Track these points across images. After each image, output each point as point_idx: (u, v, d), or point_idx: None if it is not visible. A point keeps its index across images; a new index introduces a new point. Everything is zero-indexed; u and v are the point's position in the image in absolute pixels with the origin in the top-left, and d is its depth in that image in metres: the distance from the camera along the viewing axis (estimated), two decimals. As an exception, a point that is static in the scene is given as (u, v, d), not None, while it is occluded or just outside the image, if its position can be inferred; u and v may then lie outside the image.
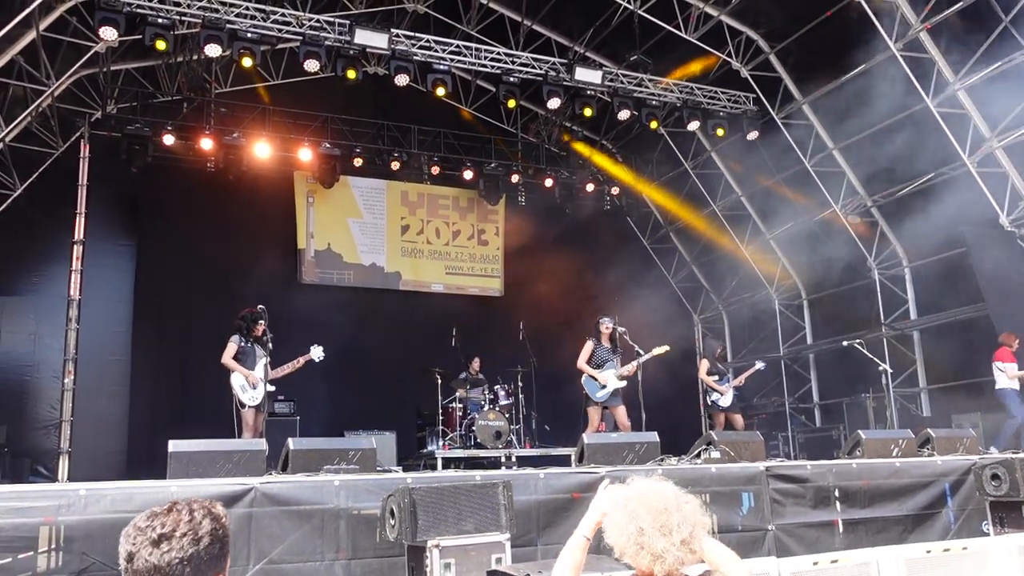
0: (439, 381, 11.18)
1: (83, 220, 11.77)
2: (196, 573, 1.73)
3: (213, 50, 10.47)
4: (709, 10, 12.52)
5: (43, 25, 10.55)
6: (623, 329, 9.39)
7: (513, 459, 10.44)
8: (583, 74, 12.20)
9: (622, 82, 12.85)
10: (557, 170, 15.27)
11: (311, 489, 5.31)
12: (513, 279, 15.35)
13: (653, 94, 13.10)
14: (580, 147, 16.01)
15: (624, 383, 9.17)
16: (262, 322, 8.15)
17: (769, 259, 15.42)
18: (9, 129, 11.33)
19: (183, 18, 10.48)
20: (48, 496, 4.75)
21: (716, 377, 10.57)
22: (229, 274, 12.58)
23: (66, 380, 11.23)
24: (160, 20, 10.08)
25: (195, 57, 12.36)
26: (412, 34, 11.93)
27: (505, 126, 15.69)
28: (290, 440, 5.94)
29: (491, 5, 13.40)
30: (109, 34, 9.85)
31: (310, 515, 5.19)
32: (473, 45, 12.29)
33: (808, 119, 13.15)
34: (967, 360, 11.43)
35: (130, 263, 12.74)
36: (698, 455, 7.10)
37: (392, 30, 11.47)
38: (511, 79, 12.12)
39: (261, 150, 12.75)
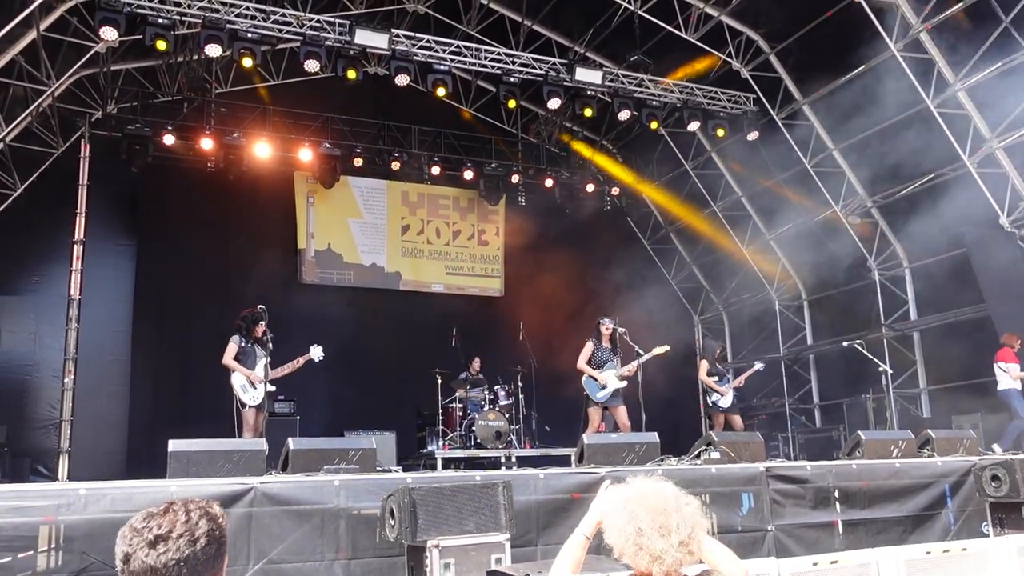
0: (439, 381, 11.18)
1: (83, 220, 11.77)
2: (193, 574, 1.73)
3: (213, 50, 10.47)
4: (709, 10, 12.52)
5: (43, 25, 10.55)
6: (623, 330, 9.39)
7: (513, 459, 10.44)
8: (583, 74, 12.20)
9: (622, 82, 12.85)
10: (557, 170, 15.28)
11: (311, 489, 5.31)
12: (513, 279, 15.36)
13: (653, 94, 13.11)
14: (580, 147, 16.01)
15: (624, 383, 9.17)
16: (262, 323, 8.15)
17: (769, 260, 15.42)
18: (9, 129, 11.33)
19: (183, 18, 10.49)
20: (48, 495, 4.75)
21: (716, 378, 10.56)
22: (229, 274, 12.59)
23: (66, 380, 11.23)
24: (160, 20, 10.08)
25: (195, 57, 12.36)
26: (412, 34, 11.94)
27: (505, 126, 15.69)
28: (290, 440, 5.94)
29: (491, 5, 13.41)
30: (109, 34, 9.86)
31: (310, 515, 5.19)
32: (473, 45, 12.29)
33: (808, 119, 13.15)
34: (967, 361, 11.42)
35: (130, 263, 12.74)
36: (698, 456, 7.10)
37: (392, 30, 11.47)
38: (511, 79, 12.12)
39: (261, 150, 12.75)
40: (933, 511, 7.09)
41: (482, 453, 10.64)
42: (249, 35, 10.56)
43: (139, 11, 10.01)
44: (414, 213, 15.20)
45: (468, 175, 14.49)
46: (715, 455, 6.96)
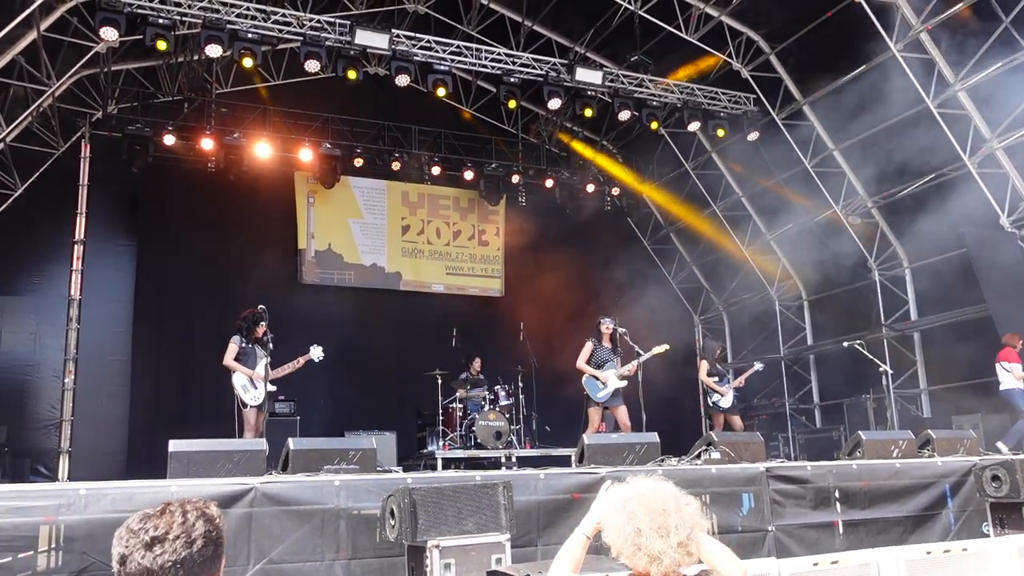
0: (439, 381, 11.18)
1: (83, 220, 11.79)
2: (190, 575, 1.72)
3: (214, 50, 10.47)
4: (710, 11, 12.52)
5: (44, 25, 10.55)
6: (623, 330, 9.39)
7: (513, 459, 10.44)
8: (584, 75, 12.21)
9: (623, 83, 12.85)
10: (558, 171, 15.28)
11: (311, 489, 5.31)
12: (514, 279, 15.36)
13: (654, 95, 13.11)
14: (581, 148, 16.01)
15: (625, 383, 9.16)
16: (263, 323, 8.16)
17: (770, 260, 15.42)
18: (10, 129, 11.33)
19: (184, 18, 10.49)
20: (48, 496, 4.76)
21: (716, 378, 10.56)
22: (230, 274, 12.60)
23: (66, 380, 11.25)
24: (161, 20, 10.09)
25: (196, 57, 12.37)
26: (413, 34, 11.94)
27: (506, 127, 15.69)
28: (290, 440, 5.94)
29: (492, 6, 13.41)
30: (110, 34, 9.86)
31: (310, 515, 5.19)
32: (474, 46, 12.30)
33: (809, 120, 13.16)
34: (968, 361, 11.41)
35: (130, 263, 12.74)
36: (698, 456, 7.10)
37: (393, 30, 11.47)
38: (512, 80, 12.13)
39: (262, 150, 12.75)
40: (934, 511, 7.09)
41: (482, 453, 10.64)
42: (249, 35, 10.56)
43: (139, 11, 10.01)
44: (414, 213, 15.20)
45: (468, 175, 14.49)
46: (715, 455, 6.96)
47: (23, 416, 11.61)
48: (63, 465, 11.00)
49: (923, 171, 11.79)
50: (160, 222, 13.00)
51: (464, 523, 4.84)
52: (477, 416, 10.87)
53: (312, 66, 10.92)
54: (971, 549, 4.78)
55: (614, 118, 13.40)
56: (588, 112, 12.74)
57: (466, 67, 12.51)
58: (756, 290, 15.88)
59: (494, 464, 10.48)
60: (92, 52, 11.36)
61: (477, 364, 11.98)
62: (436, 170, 14.42)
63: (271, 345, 8.06)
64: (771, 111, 13.31)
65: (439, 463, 10.32)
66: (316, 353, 8.37)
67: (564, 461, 8.95)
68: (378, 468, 6.30)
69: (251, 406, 8.09)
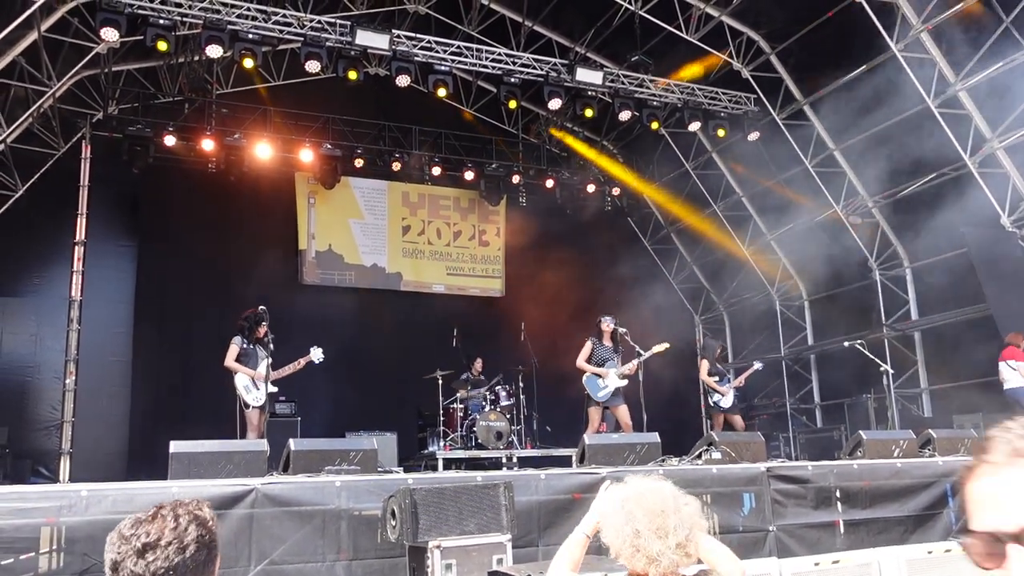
0: (440, 382, 11.18)
1: (84, 221, 11.80)
2: None
3: (214, 51, 10.47)
4: (710, 11, 12.52)
5: (44, 26, 10.56)
6: (624, 330, 9.38)
7: (514, 460, 10.43)
8: (584, 75, 12.21)
9: (623, 83, 12.85)
10: (558, 171, 15.28)
11: (312, 490, 5.31)
12: (514, 280, 15.36)
13: (654, 95, 13.11)
14: (581, 148, 16.01)
15: (625, 382, 9.16)
16: (264, 323, 8.16)
17: (770, 260, 15.42)
18: (11, 130, 11.33)
19: (184, 19, 10.50)
20: (50, 497, 4.76)
21: (716, 378, 10.56)
22: (230, 275, 12.59)
23: (67, 381, 11.26)
24: (161, 21, 10.09)
25: (196, 58, 12.38)
26: (413, 35, 11.94)
27: (506, 127, 15.69)
28: (291, 441, 5.95)
29: (492, 6, 13.41)
30: (110, 35, 9.86)
31: (311, 516, 5.19)
32: (474, 46, 12.30)
33: (809, 120, 13.15)
34: (968, 361, 11.40)
35: (131, 264, 12.75)
36: (699, 456, 7.10)
37: (393, 31, 11.47)
38: (512, 80, 12.13)
39: (262, 151, 12.75)
40: (934, 511, 7.09)
41: (483, 454, 10.63)
42: (250, 36, 10.57)
43: (140, 12, 10.02)
44: (415, 214, 15.20)
45: (469, 176, 14.50)
46: (716, 455, 6.96)
47: (24, 417, 11.61)
48: (64, 466, 11.00)
49: (924, 171, 11.79)
50: (161, 223, 13.00)
51: (465, 523, 4.85)
52: (478, 416, 10.87)
53: (313, 66, 10.92)
54: (972, 549, 4.76)
55: (614, 118, 13.40)
56: (588, 112, 12.74)
57: (466, 67, 12.51)
58: (757, 290, 15.88)
59: (495, 464, 10.47)
60: (93, 53, 11.37)
61: (478, 364, 11.98)
62: (437, 170, 14.42)
63: (272, 346, 8.06)
64: (772, 111, 13.31)
65: (440, 464, 10.31)
66: (316, 355, 8.37)
67: (565, 461, 8.95)
68: (379, 469, 6.30)
69: (253, 407, 8.09)
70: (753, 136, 13.35)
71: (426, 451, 11.43)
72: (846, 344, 10.73)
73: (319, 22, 11.12)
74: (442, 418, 11.08)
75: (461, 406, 11.29)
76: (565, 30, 13.62)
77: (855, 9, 10.89)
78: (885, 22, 10.87)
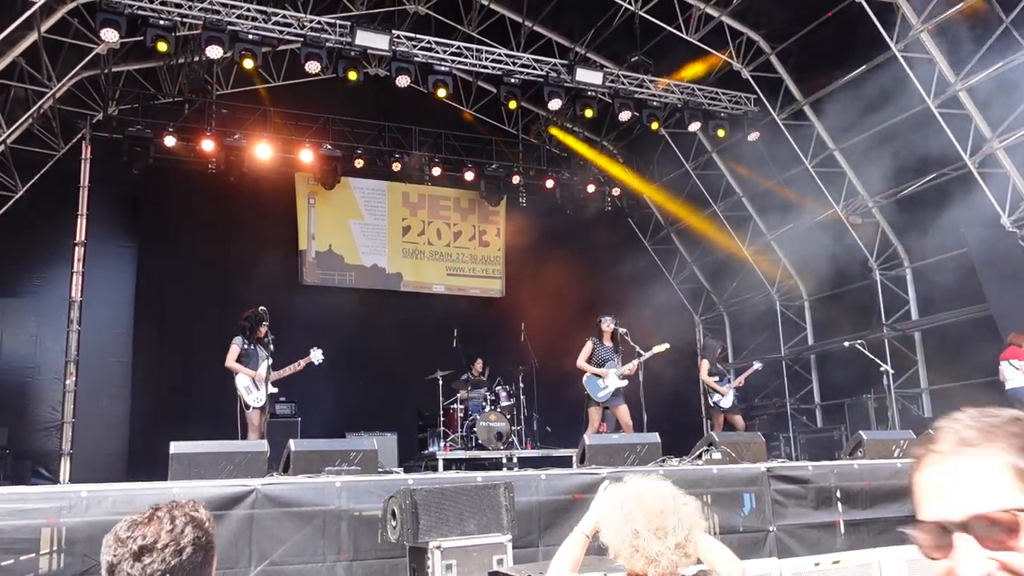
0: (440, 382, 11.18)
1: (84, 222, 11.79)
2: None
3: (214, 52, 10.47)
4: (710, 11, 12.52)
5: (44, 27, 10.56)
6: (624, 330, 9.38)
7: (514, 460, 10.43)
8: (584, 75, 12.20)
9: (623, 83, 12.85)
10: (558, 171, 15.28)
11: (312, 490, 5.31)
12: (514, 280, 15.35)
13: (654, 95, 13.11)
14: (581, 148, 16.01)
15: (625, 382, 9.16)
16: (265, 323, 8.17)
17: (770, 260, 15.42)
18: (11, 131, 11.34)
19: (184, 20, 10.50)
20: (50, 498, 4.76)
21: (717, 378, 10.56)
22: (230, 275, 12.59)
23: (67, 382, 11.25)
24: (161, 22, 10.09)
25: (196, 59, 12.38)
26: (413, 35, 11.94)
27: (506, 127, 15.69)
28: (291, 441, 5.95)
29: (492, 6, 13.41)
30: (110, 36, 9.87)
31: (312, 516, 5.19)
32: (474, 46, 12.30)
33: (809, 120, 13.15)
34: (969, 361, 11.40)
35: (131, 265, 12.74)
36: (699, 456, 7.10)
37: (393, 31, 11.47)
38: (512, 80, 12.13)
39: (262, 151, 12.75)
40: (935, 511, 7.07)
41: (483, 454, 10.63)
42: (250, 36, 10.57)
43: (140, 13, 10.02)
44: (415, 214, 15.20)
45: (469, 176, 14.50)
46: (716, 455, 6.96)
47: (24, 418, 11.60)
48: (64, 467, 11.00)
49: (924, 171, 11.78)
50: (161, 223, 13.00)
51: (465, 524, 4.85)
52: (478, 417, 10.87)
53: (312, 67, 10.92)
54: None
55: (614, 118, 13.39)
56: (588, 113, 12.74)
57: (466, 68, 12.51)
58: (757, 290, 15.88)
59: (495, 465, 10.47)
60: (93, 53, 11.37)
61: (478, 365, 11.98)
62: (437, 171, 14.42)
63: (272, 347, 8.06)
64: (772, 111, 13.31)
65: (440, 464, 10.31)
66: (316, 356, 8.38)
67: (565, 462, 8.95)
68: (379, 469, 6.30)
69: (254, 407, 8.10)
70: (753, 136, 13.35)
71: (426, 451, 11.43)
72: (846, 344, 10.73)
73: (319, 23, 11.12)
74: (442, 418, 11.09)
75: (461, 406, 11.29)
76: (565, 30, 13.62)
77: (855, 9, 10.89)
78: (885, 22, 10.87)
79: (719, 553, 2.59)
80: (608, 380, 9.11)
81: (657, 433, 7.43)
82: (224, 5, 10.54)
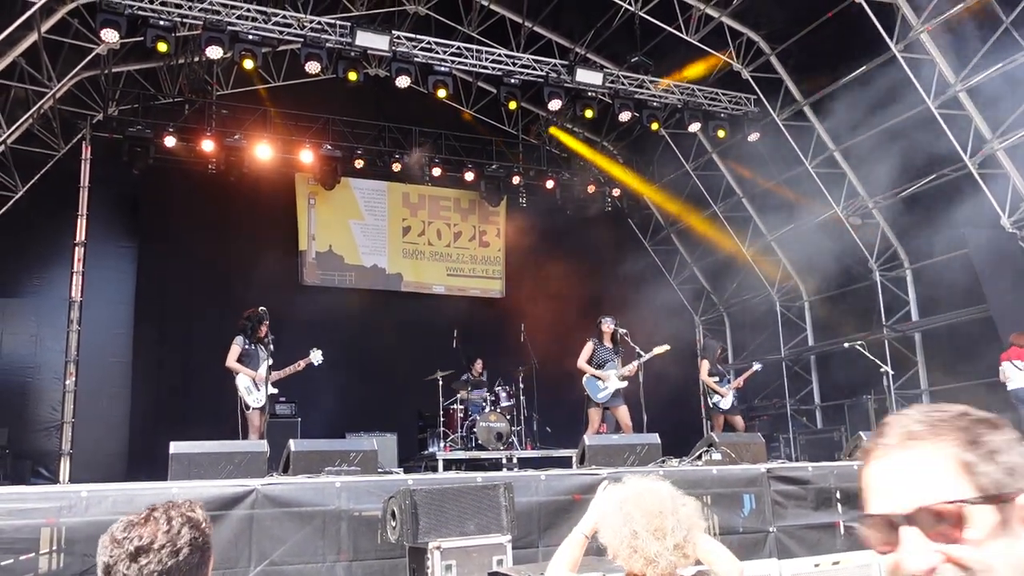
0: (440, 383, 11.18)
1: (84, 222, 11.80)
2: None
3: (214, 52, 10.47)
4: (710, 11, 12.52)
5: (45, 27, 10.56)
6: (624, 331, 9.38)
7: (514, 461, 10.43)
8: (584, 76, 12.21)
9: (623, 84, 12.86)
10: (558, 172, 15.28)
11: (312, 491, 5.31)
12: (514, 280, 15.36)
13: (654, 95, 13.11)
14: (581, 149, 16.01)
15: (625, 383, 9.16)
16: (265, 323, 8.17)
17: (770, 260, 15.42)
18: (11, 131, 11.34)
19: (184, 20, 10.50)
20: (50, 498, 4.76)
21: (717, 378, 10.55)
22: (230, 276, 12.59)
23: (67, 382, 11.26)
24: (161, 22, 10.10)
25: (196, 59, 12.38)
26: (413, 36, 11.94)
27: (506, 128, 15.69)
28: (291, 442, 5.95)
29: (492, 7, 13.41)
30: (110, 36, 9.87)
31: (311, 517, 5.20)
32: (474, 47, 12.30)
33: (809, 120, 13.15)
34: (969, 362, 11.41)
35: (131, 265, 12.74)
36: (699, 457, 7.10)
37: (393, 32, 11.47)
38: (512, 81, 12.13)
39: (262, 152, 12.75)
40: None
41: (483, 455, 10.64)
42: (250, 37, 10.57)
43: (140, 13, 10.02)
44: (415, 214, 15.20)
45: (469, 176, 14.50)
46: (716, 456, 6.97)
47: (24, 418, 11.60)
48: (64, 467, 11.00)
49: (924, 172, 11.78)
50: (161, 224, 13.00)
51: (465, 524, 4.85)
52: (478, 417, 10.87)
53: (313, 67, 10.92)
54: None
55: (615, 119, 13.39)
56: (589, 113, 12.74)
57: (466, 68, 12.51)
58: (757, 291, 15.88)
59: (495, 465, 10.47)
60: (93, 54, 11.38)
61: (478, 365, 11.99)
62: (437, 171, 14.42)
63: (272, 347, 8.06)
64: (772, 112, 13.31)
65: (440, 464, 10.31)
66: (316, 357, 8.37)
67: (565, 462, 8.96)
68: (379, 469, 6.31)
69: (254, 408, 8.09)
70: (753, 137, 13.35)
71: (426, 452, 11.43)
72: (846, 345, 10.72)
73: (319, 23, 11.12)
74: (442, 419, 11.09)
75: (461, 407, 11.30)
76: (565, 31, 13.63)
77: (855, 10, 10.89)
78: (885, 23, 10.87)
79: (718, 554, 2.58)
80: (608, 381, 9.11)
81: (657, 434, 7.44)
82: (224, 5, 10.55)
